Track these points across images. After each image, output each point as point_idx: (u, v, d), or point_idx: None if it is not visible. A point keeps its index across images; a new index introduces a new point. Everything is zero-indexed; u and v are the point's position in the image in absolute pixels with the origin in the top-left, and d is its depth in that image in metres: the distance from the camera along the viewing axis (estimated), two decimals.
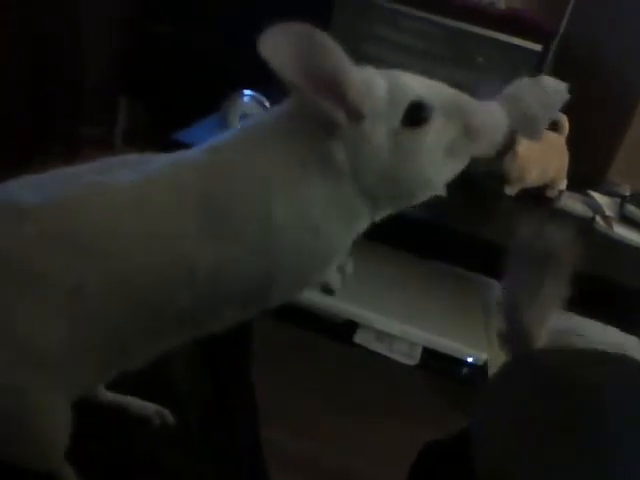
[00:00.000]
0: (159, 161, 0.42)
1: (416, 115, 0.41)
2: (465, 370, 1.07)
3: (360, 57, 1.44)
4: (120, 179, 0.39)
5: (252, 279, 0.41)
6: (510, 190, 1.12)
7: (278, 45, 0.37)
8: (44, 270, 0.36)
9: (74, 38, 1.90)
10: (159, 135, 1.92)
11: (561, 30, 1.72)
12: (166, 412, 0.52)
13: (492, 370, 1.07)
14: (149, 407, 0.51)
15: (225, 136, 0.43)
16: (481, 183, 1.14)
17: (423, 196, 0.44)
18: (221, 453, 0.56)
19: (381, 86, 0.41)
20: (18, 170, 1.65)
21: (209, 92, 1.66)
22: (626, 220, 1.14)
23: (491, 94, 0.47)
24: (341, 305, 1.07)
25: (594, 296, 0.97)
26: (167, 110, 2.13)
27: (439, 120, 0.41)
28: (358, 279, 1.14)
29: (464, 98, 0.44)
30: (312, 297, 1.06)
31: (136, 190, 0.39)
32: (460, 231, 0.97)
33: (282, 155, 0.40)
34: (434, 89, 0.42)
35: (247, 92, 1.00)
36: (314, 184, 0.40)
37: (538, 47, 1.64)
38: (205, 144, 0.43)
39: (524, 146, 1.07)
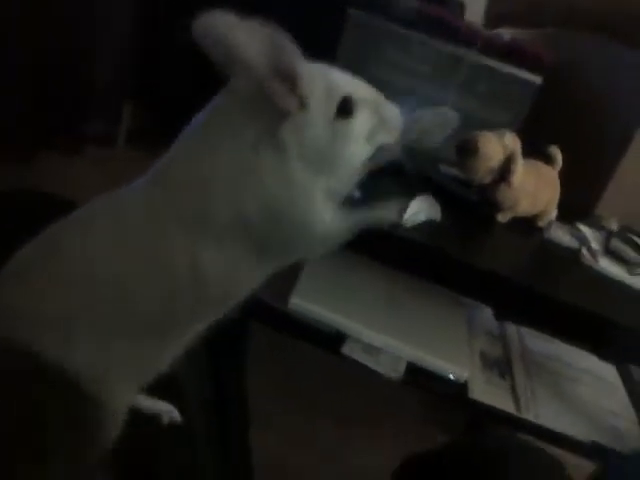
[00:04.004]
0: (135, 184, 0.48)
1: (346, 108, 0.49)
2: (446, 387, 1.10)
3: (366, 77, 1.48)
4: (93, 228, 0.46)
5: (248, 263, 0.48)
6: (502, 218, 1.17)
7: (253, 40, 0.44)
8: (67, 310, 0.43)
9: (85, 35, 1.92)
10: (162, 138, 1.95)
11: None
12: (175, 411, 0.55)
13: (472, 388, 1.10)
14: (158, 405, 0.55)
15: (177, 145, 0.49)
16: (474, 210, 1.19)
17: (348, 173, 0.52)
18: (221, 454, 0.60)
19: (321, 80, 0.49)
20: (21, 165, 1.67)
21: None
22: (611, 254, 1.18)
23: None
24: (332, 316, 1.10)
25: (576, 325, 1.01)
26: (173, 114, 2.16)
27: (362, 112, 0.50)
28: (350, 293, 1.19)
29: (380, 97, 0.53)
30: (305, 307, 1.10)
31: (119, 219, 0.46)
32: (451, 254, 1.01)
33: (237, 145, 0.46)
34: (359, 86, 0.52)
35: None
36: (268, 166, 0.47)
37: (539, 80, 1.68)
38: (166, 155, 0.49)
39: (518, 177, 1.11)
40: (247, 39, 0.43)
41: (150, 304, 0.44)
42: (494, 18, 0.57)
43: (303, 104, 0.46)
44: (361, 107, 0.50)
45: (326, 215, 0.52)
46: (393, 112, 0.54)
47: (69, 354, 0.42)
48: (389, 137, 0.54)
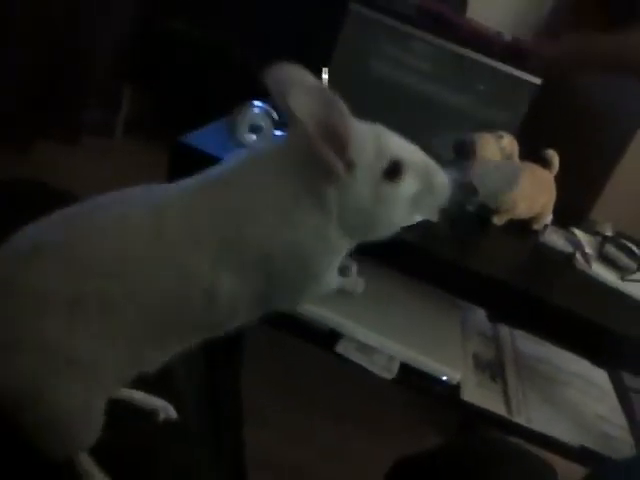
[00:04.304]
0: (169, 191, 0.48)
1: (395, 171, 0.49)
2: (439, 388, 1.11)
3: (366, 72, 1.49)
4: (133, 212, 0.46)
5: (253, 298, 0.49)
6: (498, 220, 1.17)
7: (305, 101, 0.44)
8: (72, 295, 0.43)
9: (85, 23, 1.91)
10: (159, 129, 1.95)
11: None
12: (170, 407, 0.56)
13: (464, 390, 1.11)
14: (154, 401, 0.56)
15: (231, 166, 0.49)
16: (471, 212, 1.19)
17: (387, 235, 0.52)
18: (215, 452, 0.60)
19: (371, 142, 0.49)
20: (19, 153, 1.66)
21: (215, 93, 1.69)
22: (604, 259, 1.19)
23: None
24: (327, 314, 1.11)
25: (568, 329, 1.02)
26: (171, 105, 2.16)
27: (410, 177, 0.50)
28: (345, 292, 1.19)
29: (430, 162, 0.52)
30: (301, 305, 1.10)
31: (148, 221, 0.45)
32: (446, 256, 1.02)
33: (281, 193, 0.47)
34: (410, 150, 0.51)
35: (257, 103, 1.04)
36: (306, 220, 0.48)
37: (538, 81, 1.69)
38: (211, 173, 0.49)
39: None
40: (302, 97, 0.44)
41: (158, 309, 0.45)
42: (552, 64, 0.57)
43: (350, 167, 0.47)
44: (410, 171, 0.50)
45: (331, 280, 0.53)
46: (442, 179, 0.53)
47: (70, 338, 0.43)
48: (435, 203, 0.53)
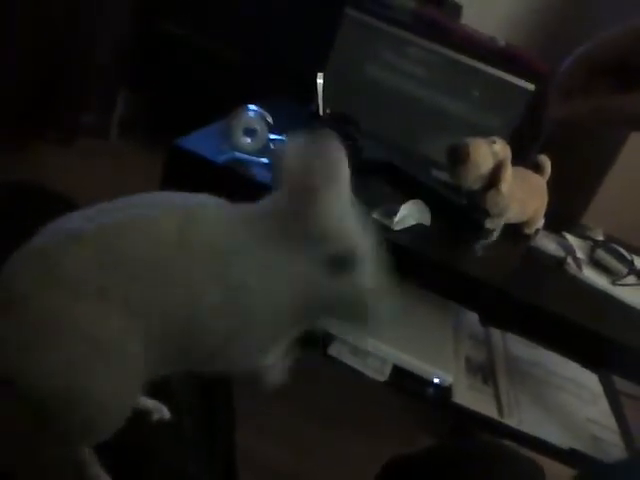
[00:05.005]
0: (205, 202, 0.49)
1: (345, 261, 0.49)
2: (431, 390, 1.12)
3: (361, 77, 1.49)
4: (162, 216, 0.47)
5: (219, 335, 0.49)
6: (490, 224, 1.18)
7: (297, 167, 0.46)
8: (100, 286, 0.44)
9: (85, 25, 1.91)
10: (153, 131, 1.95)
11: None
12: (164, 408, 0.57)
13: (456, 393, 1.12)
14: (148, 402, 0.56)
15: (248, 206, 0.50)
16: (463, 216, 1.20)
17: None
18: (208, 453, 0.61)
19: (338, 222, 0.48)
20: (14, 154, 1.65)
21: (210, 98, 1.70)
22: (595, 264, 1.20)
23: None
24: None
25: (559, 333, 1.03)
26: (165, 108, 2.17)
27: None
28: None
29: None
30: None
31: (176, 229, 0.46)
32: (439, 260, 1.02)
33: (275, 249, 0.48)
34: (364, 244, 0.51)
35: (252, 107, 1.04)
36: (297, 272, 0.48)
37: (531, 87, 1.70)
38: (233, 206, 0.50)
39: (507, 185, 1.13)
40: (293, 166, 0.46)
41: (167, 317, 0.46)
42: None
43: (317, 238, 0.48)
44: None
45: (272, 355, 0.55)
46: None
47: (101, 324, 0.43)
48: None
